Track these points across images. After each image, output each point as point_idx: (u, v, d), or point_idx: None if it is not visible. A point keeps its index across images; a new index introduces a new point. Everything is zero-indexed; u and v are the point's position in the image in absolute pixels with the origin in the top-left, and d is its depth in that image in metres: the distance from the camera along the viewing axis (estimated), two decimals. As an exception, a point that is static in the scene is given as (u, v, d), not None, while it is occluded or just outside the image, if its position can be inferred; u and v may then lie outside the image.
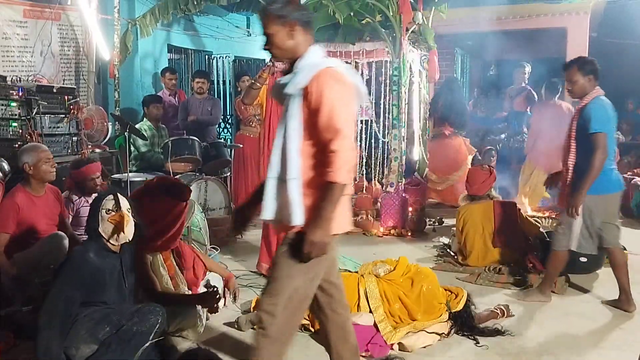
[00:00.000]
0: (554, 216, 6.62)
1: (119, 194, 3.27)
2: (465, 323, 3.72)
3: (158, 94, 7.61)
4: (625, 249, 5.39)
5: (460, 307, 3.75)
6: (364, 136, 7.27)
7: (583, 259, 4.98)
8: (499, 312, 3.98)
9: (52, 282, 3.14)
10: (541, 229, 5.37)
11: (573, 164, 4.22)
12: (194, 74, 8.05)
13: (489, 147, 8.50)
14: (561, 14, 9.26)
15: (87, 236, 3.35)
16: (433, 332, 3.59)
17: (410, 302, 3.66)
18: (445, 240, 6.06)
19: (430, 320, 3.64)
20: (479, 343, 3.59)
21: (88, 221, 3.24)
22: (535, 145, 7.39)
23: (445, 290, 3.95)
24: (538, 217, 6.42)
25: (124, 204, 3.23)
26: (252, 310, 3.93)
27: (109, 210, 3.20)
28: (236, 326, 3.78)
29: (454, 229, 5.73)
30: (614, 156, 4.27)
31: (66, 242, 4.08)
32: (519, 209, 5.41)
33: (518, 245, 5.18)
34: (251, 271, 5.06)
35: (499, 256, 5.17)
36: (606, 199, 4.21)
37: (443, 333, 3.64)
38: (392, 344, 3.47)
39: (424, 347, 3.53)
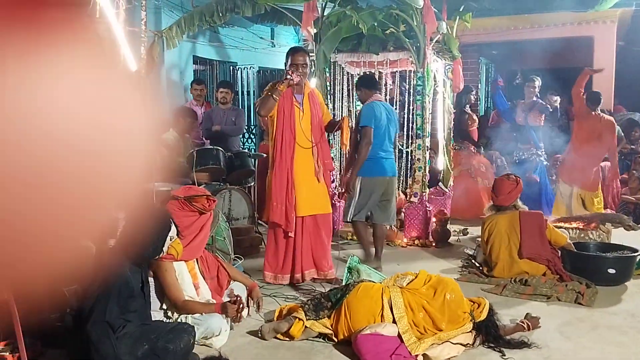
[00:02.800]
0: (581, 227, 6.52)
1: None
2: (490, 333, 3.67)
3: (185, 104, 7.68)
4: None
5: (483, 316, 3.70)
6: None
7: (611, 271, 4.91)
8: (525, 325, 3.92)
9: (94, 297, 3.17)
10: (568, 240, 5.29)
11: (352, 152, 5.44)
12: (217, 84, 8.14)
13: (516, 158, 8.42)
14: (588, 22, 9.17)
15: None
16: (458, 343, 3.55)
17: (434, 311, 3.63)
18: (470, 251, 6.00)
19: (455, 330, 3.60)
20: (504, 355, 3.54)
21: (148, 246, 3.34)
22: (569, 161, 7.30)
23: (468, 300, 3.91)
24: (565, 228, 6.32)
25: None
26: (275, 319, 3.94)
27: (172, 237, 3.46)
28: (259, 335, 3.78)
29: (479, 239, 5.68)
30: (385, 148, 5.36)
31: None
32: (546, 220, 5.34)
33: (544, 257, 5.10)
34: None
35: (524, 267, 5.10)
36: (374, 180, 5.35)
37: (468, 343, 3.60)
38: (416, 355, 3.44)
39: (449, 359, 3.49)
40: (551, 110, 8.20)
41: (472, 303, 3.83)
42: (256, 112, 4.81)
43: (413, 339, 3.50)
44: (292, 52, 4.87)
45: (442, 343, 3.52)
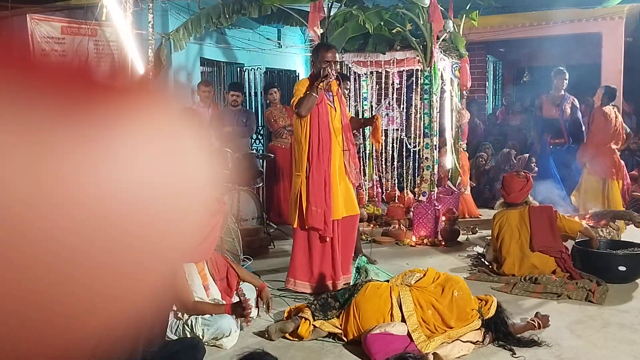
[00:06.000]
0: (591, 224, 6.49)
1: None
2: (500, 330, 3.67)
3: (192, 106, 7.71)
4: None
5: (491, 313, 3.70)
6: (395, 145, 7.26)
7: (622, 268, 4.88)
8: (535, 323, 3.91)
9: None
10: (584, 224, 5.28)
11: None
12: (229, 86, 8.15)
13: (528, 155, 8.36)
14: (595, 19, 9.13)
15: None
16: (468, 341, 3.55)
17: (443, 308, 3.63)
18: (479, 249, 5.99)
19: (464, 328, 3.60)
20: (515, 354, 3.53)
21: None
22: (594, 154, 7.15)
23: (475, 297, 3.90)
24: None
25: None
26: (284, 319, 3.94)
27: None
28: (266, 335, 3.79)
29: (488, 238, 5.66)
30: None
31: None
32: (556, 211, 5.31)
33: (556, 249, 5.07)
34: (284, 281, 5.08)
35: (535, 262, 5.07)
36: None
37: (478, 341, 3.60)
38: (427, 354, 3.44)
39: (459, 357, 3.49)
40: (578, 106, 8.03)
41: (479, 300, 3.83)
42: (295, 112, 4.50)
43: (423, 337, 3.50)
44: (324, 49, 4.66)
45: (452, 341, 3.52)
